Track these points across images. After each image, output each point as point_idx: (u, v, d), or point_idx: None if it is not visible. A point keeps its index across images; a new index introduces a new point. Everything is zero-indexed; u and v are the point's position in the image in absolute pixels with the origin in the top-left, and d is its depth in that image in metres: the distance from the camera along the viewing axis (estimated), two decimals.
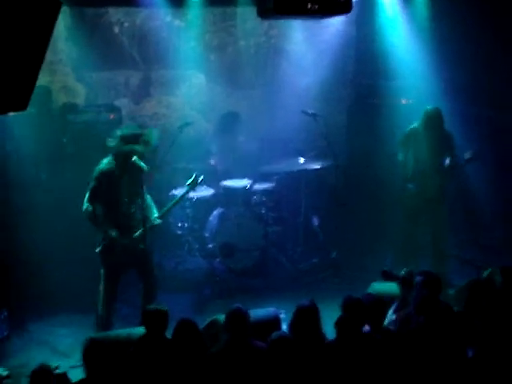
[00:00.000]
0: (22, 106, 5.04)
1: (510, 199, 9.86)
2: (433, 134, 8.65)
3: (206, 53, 10.49)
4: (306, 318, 5.74)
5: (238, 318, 5.69)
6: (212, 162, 9.91)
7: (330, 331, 5.79)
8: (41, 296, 8.28)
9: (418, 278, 6.19)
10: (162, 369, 5.55)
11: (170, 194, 9.17)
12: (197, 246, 9.51)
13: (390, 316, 6.26)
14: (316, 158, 9.89)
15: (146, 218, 7.44)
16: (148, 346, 5.70)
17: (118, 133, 7.52)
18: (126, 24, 10.28)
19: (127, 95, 10.44)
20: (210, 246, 9.37)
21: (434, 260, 8.81)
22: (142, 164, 7.31)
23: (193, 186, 7.93)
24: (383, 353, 5.61)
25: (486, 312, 5.93)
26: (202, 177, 7.96)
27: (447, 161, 8.66)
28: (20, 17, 4.85)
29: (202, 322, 6.39)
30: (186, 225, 9.46)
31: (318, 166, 9.71)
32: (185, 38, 10.15)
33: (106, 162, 7.33)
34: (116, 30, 10.24)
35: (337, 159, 9.58)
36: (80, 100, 10.03)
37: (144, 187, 7.42)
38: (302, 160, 9.75)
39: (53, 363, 5.74)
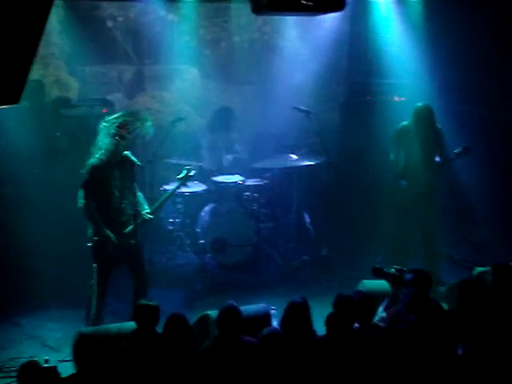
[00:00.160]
0: (14, 99, 5.02)
1: (500, 197, 9.88)
2: (423, 131, 8.67)
3: (199, 48, 10.48)
4: (298, 314, 5.75)
5: (230, 314, 5.69)
6: (204, 157, 9.91)
7: (320, 328, 5.80)
8: (32, 290, 8.27)
9: (409, 276, 6.22)
10: (153, 363, 5.55)
11: (162, 188, 9.16)
12: (188, 242, 9.51)
13: (381, 313, 6.28)
14: (308, 155, 9.89)
15: (137, 213, 7.43)
16: (139, 340, 5.70)
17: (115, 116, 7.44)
18: (120, 18, 10.27)
19: (120, 90, 10.43)
20: (202, 241, 9.37)
21: (425, 258, 8.84)
22: (134, 158, 7.29)
23: (184, 180, 7.90)
24: (373, 350, 5.62)
25: (477, 310, 5.94)
26: (193, 171, 7.93)
27: (437, 158, 8.70)
28: (13, 10, 4.83)
29: (193, 318, 6.41)
30: (177, 220, 9.46)
31: (311, 163, 9.71)
32: (178, 32, 10.14)
33: (97, 157, 7.30)
34: (109, 24, 10.23)
35: (329, 156, 9.58)
36: (73, 94, 10.01)
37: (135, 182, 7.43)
38: (294, 156, 9.76)
39: (42, 357, 5.72)
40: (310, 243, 10.03)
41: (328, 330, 5.66)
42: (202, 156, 9.92)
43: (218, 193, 9.59)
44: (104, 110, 9.38)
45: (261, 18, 10.41)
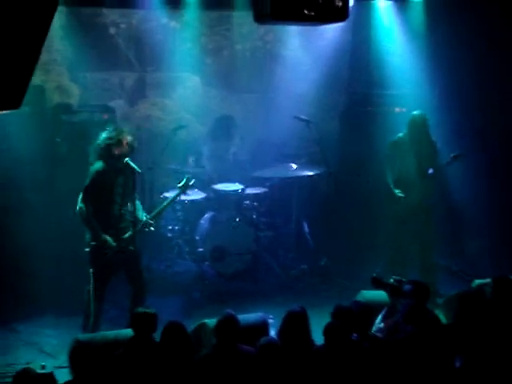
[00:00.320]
0: (15, 104, 5.03)
1: (498, 208, 9.86)
2: (418, 140, 8.71)
3: (201, 56, 10.48)
4: (296, 323, 5.75)
5: (228, 323, 5.69)
6: (205, 165, 9.90)
7: (318, 338, 5.78)
8: (29, 296, 8.26)
9: (407, 287, 6.21)
10: (150, 371, 5.54)
11: (162, 196, 9.16)
12: (187, 249, 9.48)
13: (378, 324, 6.26)
14: (308, 165, 9.90)
15: (136, 220, 7.42)
16: (136, 348, 5.69)
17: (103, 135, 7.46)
18: (122, 25, 10.28)
19: (122, 96, 10.43)
20: (201, 249, 9.35)
21: (423, 270, 8.84)
22: (135, 165, 7.30)
23: (184, 188, 7.92)
24: (371, 361, 5.61)
25: (476, 322, 5.93)
26: (193, 180, 7.95)
27: (430, 170, 8.73)
28: (16, 15, 4.84)
29: (191, 326, 6.39)
30: (176, 227, 9.45)
31: (311, 173, 9.71)
32: (180, 40, 10.15)
33: (100, 164, 7.32)
34: (112, 30, 10.23)
35: (329, 166, 9.58)
36: (74, 100, 10.00)
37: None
38: (294, 166, 9.76)
39: (39, 363, 5.71)
40: (309, 253, 10.02)
41: (326, 339, 5.65)
42: (203, 164, 9.91)
43: (218, 201, 9.57)
44: (105, 117, 9.39)
45: (263, 27, 10.41)
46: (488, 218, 9.78)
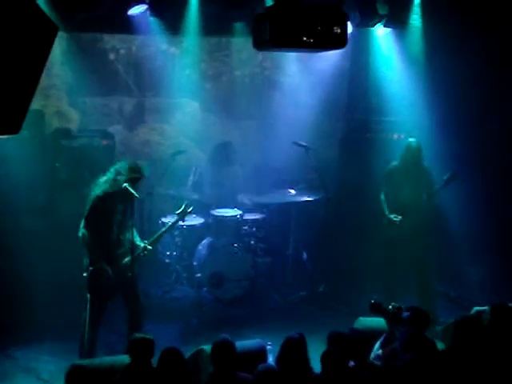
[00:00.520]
0: (14, 129, 5.04)
1: (494, 233, 9.84)
2: (412, 167, 8.72)
3: (200, 81, 10.54)
4: (295, 350, 5.70)
5: (224, 349, 5.64)
6: (204, 190, 9.91)
7: (317, 366, 5.74)
8: (26, 322, 8.22)
9: (406, 314, 6.18)
10: None
11: (160, 221, 9.15)
12: (185, 275, 9.47)
13: (376, 350, 6.23)
14: (307, 190, 9.91)
15: (133, 246, 7.40)
16: (133, 374, 5.64)
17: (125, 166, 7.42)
18: (122, 51, 10.35)
19: (121, 122, 10.47)
20: (199, 275, 9.33)
21: (420, 297, 8.79)
22: (133, 191, 7.28)
23: (182, 215, 7.92)
24: None
25: (473, 349, 5.90)
26: (191, 207, 7.96)
27: (424, 197, 8.73)
28: (16, 40, 4.86)
29: (188, 352, 6.35)
30: (174, 253, 9.44)
31: (309, 199, 9.72)
32: (180, 66, 10.22)
33: (102, 189, 7.30)
34: (111, 56, 10.30)
35: (327, 192, 9.59)
36: (73, 125, 10.05)
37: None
38: (292, 192, 9.76)
39: None
40: (307, 279, 9.99)
41: (323, 367, 5.61)
42: (203, 190, 9.91)
43: (216, 226, 9.57)
44: (104, 142, 9.41)
45: (262, 54, 10.48)
46: (487, 244, 9.76)
